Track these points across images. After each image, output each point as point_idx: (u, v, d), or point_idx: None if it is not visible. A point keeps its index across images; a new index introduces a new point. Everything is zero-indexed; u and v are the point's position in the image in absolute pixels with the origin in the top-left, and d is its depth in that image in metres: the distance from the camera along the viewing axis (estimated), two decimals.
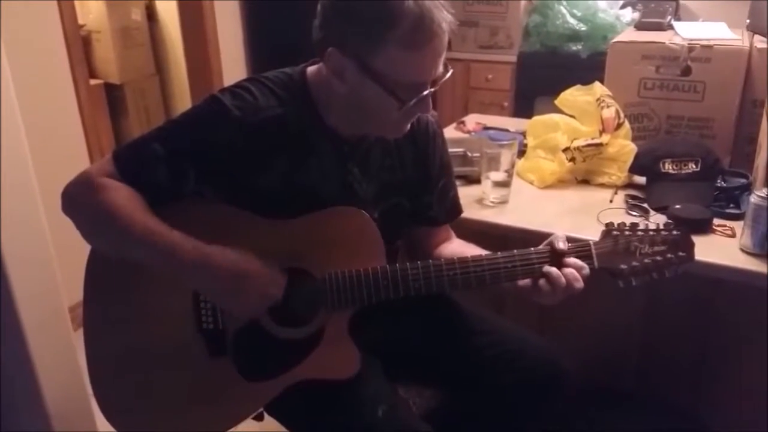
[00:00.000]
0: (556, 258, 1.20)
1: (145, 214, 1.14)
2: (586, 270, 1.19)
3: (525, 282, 1.22)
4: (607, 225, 1.25)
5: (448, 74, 1.19)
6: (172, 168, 1.17)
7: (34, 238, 1.55)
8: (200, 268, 1.12)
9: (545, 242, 1.22)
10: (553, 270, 1.18)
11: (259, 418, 1.30)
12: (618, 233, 1.23)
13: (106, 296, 1.24)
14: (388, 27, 1.08)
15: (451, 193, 1.44)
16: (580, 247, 1.22)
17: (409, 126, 1.23)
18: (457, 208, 1.46)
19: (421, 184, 1.37)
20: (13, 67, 1.46)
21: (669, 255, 1.22)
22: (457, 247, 1.39)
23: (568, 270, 1.18)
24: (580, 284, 1.18)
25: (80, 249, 1.20)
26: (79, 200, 1.17)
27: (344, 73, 1.14)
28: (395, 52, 1.10)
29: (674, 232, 1.23)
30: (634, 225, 1.24)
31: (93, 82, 3.65)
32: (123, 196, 1.14)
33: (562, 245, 1.20)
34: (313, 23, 1.15)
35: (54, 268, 1.60)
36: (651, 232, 1.23)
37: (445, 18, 1.10)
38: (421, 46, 1.10)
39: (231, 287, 1.14)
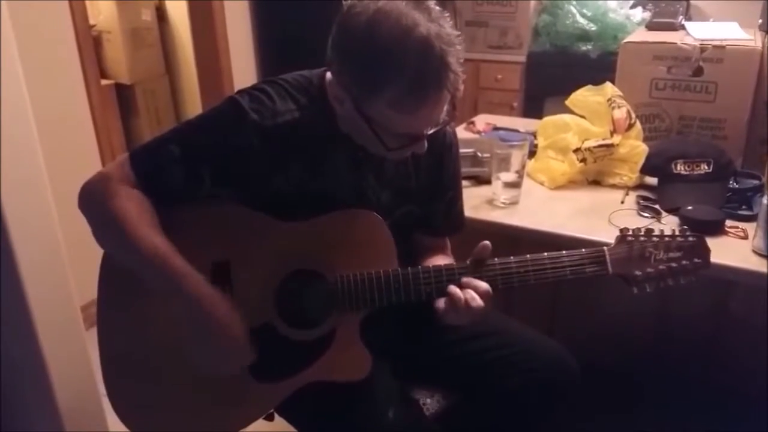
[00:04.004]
0: (478, 266, 1.18)
1: (151, 230, 1.13)
2: (485, 288, 1.16)
3: (438, 302, 1.19)
4: (621, 230, 1.23)
5: (448, 126, 1.18)
6: (188, 170, 1.17)
7: (45, 238, 1.56)
8: (187, 307, 1.12)
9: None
10: (454, 290, 1.16)
11: (269, 418, 1.30)
12: (633, 239, 1.21)
13: (120, 296, 1.25)
14: (380, 87, 1.06)
15: (457, 205, 1.43)
16: (593, 253, 1.21)
17: (408, 154, 1.21)
18: (460, 222, 1.45)
19: (431, 192, 1.37)
20: (26, 66, 1.47)
21: (684, 261, 1.20)
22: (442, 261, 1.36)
23: (468, 290, 1.16)
24: (477, 304, 1.15)
25: (92, 248, 1.21)
26: (93, 202, 1.17)
27: (343, 103, 1.14)
28: (385, 110, 1.08)
29: (690, 239, 1.21)
30: (649, 231, 1.22)
31: (103, 82, 3.66)
32: (134, 207, 1.14)
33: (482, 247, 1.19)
34: (329, 37, 1.12)
35: (66, 268, 1.61)
36: (666, 238, 1.21)
37: (448, 77, 1.05)
38: (413, 111, 1.08)
39: (202, 341, 1.14)
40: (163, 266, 1.11)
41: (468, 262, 1.21)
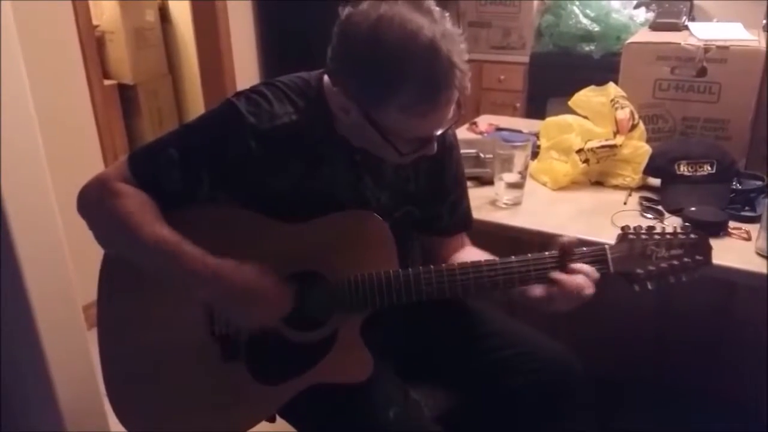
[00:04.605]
0: (566, 257, 1.19)
1: (157, 223, 1.13)
2: (596, 275, 1.18)
3: (536, 290, 1.21)
4: (623, 228, 1.23)
5: (452, 126, 1.18)
6: (186, 173, 1.17)
7: (48, 238, 1.56)
8: (211, 282, 1.12)
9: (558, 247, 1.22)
10: (563, 276, 1.17)
11: (271, 419, 1.30)
12: (634, 237, 1.21)
13: (120, 297, 1.25)
14: (390, 93, 1.06)
15: (462, 205, 1.43)
16: (595, 252, 1.21)
17: (415, 157, 1.21)
18: (468, 219, 1.45)
19: (433, 195, 1.37)
20: (29, 67, 1.47)
21: (686, 259, 1.20)
22: (469, 255, 1.37)
23: (579, 276, 1.17)
24: (590, 290, 1.16)
25: (94, 248, 1.21)
26: (93, 204, 1.17)
27: (349, 112, 1.13)
28: (397, 115, 1.08)
29: (691, 236, 1.21)
30: (650, 228, 1.22)
31: (106, 82, 3.68)
32: (136, 204, 1.14)
33: (569, 242, 1.19)
34: (329, 47, 1.12)
35: (68, 268, 1.61)
36: (668, 236, 1.21)
37: (456, 76, 1.06)
38: (424, 113, 1.09)
39: (240, 303, 1.14)
40: (175, 254, 1.11)
41: (546, 253, 1.21)
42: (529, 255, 1.20)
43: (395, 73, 1.05)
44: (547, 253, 1.20)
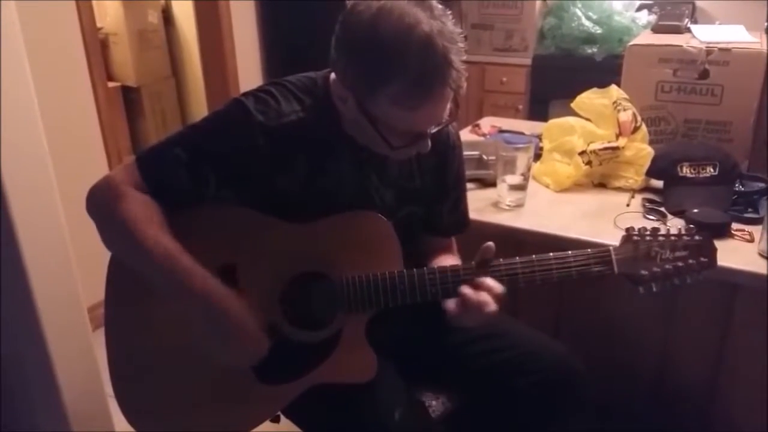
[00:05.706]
0: (482, 267, 1.18)
1: (160, 232, 1.13)
2: (501, 290, 1.16)
3: (449, 305, 1.19)
4: (627, 230, 1.23)
5: (452, 123, 1.19)
6: (194, 173, 1.17)
7: (53, 239, 1.56)
8: (200, 302, 1.11)
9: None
10: (469, 291, 1.16)
11: (275, 420, 1.31)
12: (639, 238, 1.21)
13: (127, 297, 1.25)
14: (383, 83, 1.06)
15: (461, 206, 1.44)
16: (599, 253, 1.21)
17: (413, 153, 1.22)
18: (465, 221, 1.46)
19: (435, 193, 1.37)
20: (33, 69, 1.48)
21: (690, 261, 1.20)
22: (445, 259, 1.37)
23: (483, 293, 1.16)
24: (493, 308, 1.15)
25: (98, 250, 1.21)
26: (101, 206, 1.17)
27: (346, 101, 1.14)
28: (389, 106, 1.09)
29: (696, 238, 1.21)
30: (655, 230, 1.22)
31: (110, 84, 3.68)
32: (142, 210, 1.14)
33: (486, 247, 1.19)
34: (332, 37, 1.13)
35: (73, 269, 1.62)
36: (672, 237, 1.21)
37: (451, 74, 1.06)
38: (416, 107, 1.09)
39: (219, 334, 1.13)
40: (173, 266, 1.11)
41: (473, 263, 1.21)
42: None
43: (388, 64, 1.06)
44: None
